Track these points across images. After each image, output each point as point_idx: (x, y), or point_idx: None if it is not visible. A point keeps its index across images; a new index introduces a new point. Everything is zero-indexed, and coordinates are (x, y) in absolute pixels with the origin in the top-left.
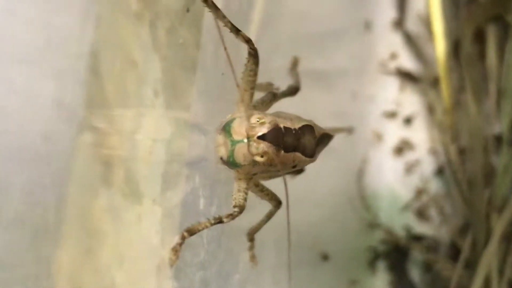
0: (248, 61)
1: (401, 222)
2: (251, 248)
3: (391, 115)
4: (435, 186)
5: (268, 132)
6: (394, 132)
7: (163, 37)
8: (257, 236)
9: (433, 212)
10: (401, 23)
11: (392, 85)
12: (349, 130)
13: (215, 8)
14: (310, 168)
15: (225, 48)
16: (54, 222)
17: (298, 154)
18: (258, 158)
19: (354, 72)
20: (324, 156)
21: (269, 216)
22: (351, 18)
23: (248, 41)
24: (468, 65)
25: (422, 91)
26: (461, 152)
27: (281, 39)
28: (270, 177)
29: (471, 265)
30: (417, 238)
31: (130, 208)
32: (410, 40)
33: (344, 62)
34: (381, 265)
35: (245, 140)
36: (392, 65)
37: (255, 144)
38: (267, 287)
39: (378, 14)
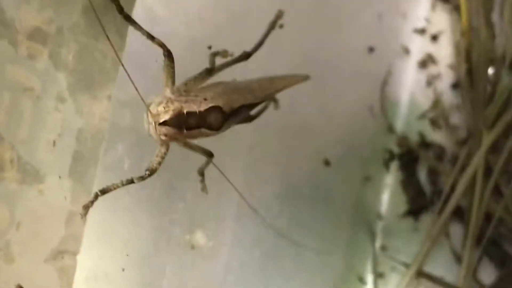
0: (165, 60)
1: (417, 128)
2: (202, 180)
3: (421, 31)
4: (450, 99)
5: (169, 118)
6: (421, 47)
7: (70, 58)
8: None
9: (444, 122)
10: None
11: (425, 3)
12: (305, 78)
13: (133, 22)
14: (333, 82)
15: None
16: None
17: (204, 130)
18: (162, 137)
19: None
20: (348, 71)
21: (207, 162)
22: None
23: (162, 45)
24: None
25: (449, 11)
26: (470, 72)
27: None
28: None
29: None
30: (428, 145)
31: (29, 189)
32: None
33: None
34: (394, 165)
35: (153, 123)
36: None
37: (158, 127)
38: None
39: None
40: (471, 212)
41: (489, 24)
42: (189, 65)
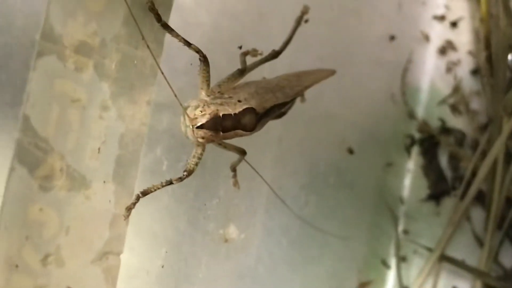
0: (201, 65)
1: (437, 114)
2: (234, 176)
3: (440, 18)
4: (470, 85)
5: (206, 122)
6: (440, 34)
7: (113, 67)
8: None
9: (464, 108)
10: None
11: None
12: (332, 72)
13: (171, 30)
14: (355, 71)
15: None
16: None
17: (239, 131)
18: (200, 140)
19: None
20: (369, 60)
21: (239, 160)
22: None
23: (198, 51)
24: None
25: None
26: (490, 59)
27: None
28: (240, 136)
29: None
30: (448, 130)
31: (76, 195)
32: None
33: None
34: (416, 151)
35: (191, 127)
36: None
37: (195, 130)
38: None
39: None
40: (492, 196)
41: (508, 12)
42: (216, 57)
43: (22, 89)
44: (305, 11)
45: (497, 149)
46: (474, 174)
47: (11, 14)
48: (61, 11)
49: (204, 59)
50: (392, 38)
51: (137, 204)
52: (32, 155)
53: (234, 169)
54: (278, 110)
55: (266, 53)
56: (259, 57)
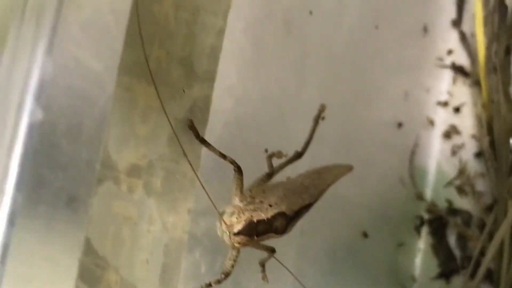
0: (235, 174)
1: (445, 195)
2: (263, 271)
3: (444, 104)
4: (474, 167)
5: (242, 228)
6: (445, 119)
7: (158, 184)
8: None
9: (470, 190)
10: (459, 23)
11: (446, 78)
12: (350, 168)
13: (208, 144)
14: (366, 157)
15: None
16: None
17: (271, 234)
18: (236, 245)
19: (412, 70)
20: (379, 145)
21: (269, 257)
22: (410, 23)
23: (232, 162)
24: (501, 70)
25: (469, 85)
26: (493, 143)
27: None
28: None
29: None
30: (455, 211)
31: None
32: (464, 39)
33: (403, 62)
34: (425, 230)
35: (228, 233)
36: (448, 60)
37: (232, 236)
38: None
39: (439, 15)
40: (500, 275)
41: (508, 98)
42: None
43: (85, 214)
44: (322, 109)
45: (504, 230)
46: (482, 253)
47: (76, 150)
48: (117, 141)
49: (238, 169)
50: (400, 125)
51: None
52: (92, 273)
53: (263, 265)
54: (305, 211)
55: (289, 151)
56: (283, 159)
